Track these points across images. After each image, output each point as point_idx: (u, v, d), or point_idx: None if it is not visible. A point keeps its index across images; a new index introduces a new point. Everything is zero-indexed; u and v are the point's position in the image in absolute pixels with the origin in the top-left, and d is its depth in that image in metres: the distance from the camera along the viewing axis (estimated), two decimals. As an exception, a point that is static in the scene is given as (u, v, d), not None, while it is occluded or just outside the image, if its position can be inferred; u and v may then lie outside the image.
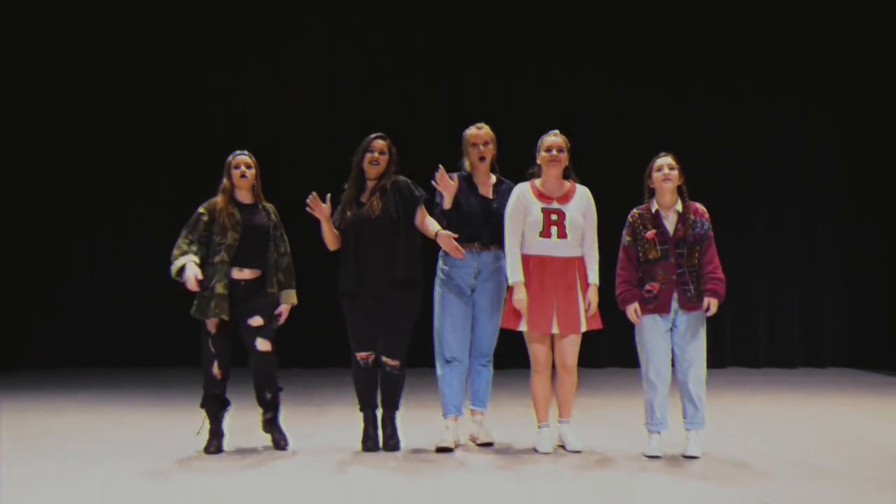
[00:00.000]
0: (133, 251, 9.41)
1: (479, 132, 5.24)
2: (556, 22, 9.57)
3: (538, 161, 5.08)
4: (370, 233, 4.99)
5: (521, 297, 4.93)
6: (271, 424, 5.18)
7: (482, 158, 5.21)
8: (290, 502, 4.08)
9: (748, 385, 8.25)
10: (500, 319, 5.14)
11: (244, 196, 5.18)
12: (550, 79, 9.57)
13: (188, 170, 9.17)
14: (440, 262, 5.24)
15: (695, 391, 4.90)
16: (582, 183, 5.16)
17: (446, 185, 5.02)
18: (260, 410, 5.19)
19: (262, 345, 5.05)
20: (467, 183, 5.22)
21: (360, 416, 5.17)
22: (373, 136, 5.14)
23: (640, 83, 9.56)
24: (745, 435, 5.65)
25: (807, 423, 6.23)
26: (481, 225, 5.13)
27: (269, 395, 5.12)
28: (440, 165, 5.04)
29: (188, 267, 4.95)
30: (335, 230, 5.10)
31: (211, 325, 5.02)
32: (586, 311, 4.99)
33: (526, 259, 5.00)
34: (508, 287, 5.04)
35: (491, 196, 5.22)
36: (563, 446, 5.11)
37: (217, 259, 5.02)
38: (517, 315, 4.97)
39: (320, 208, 5.00)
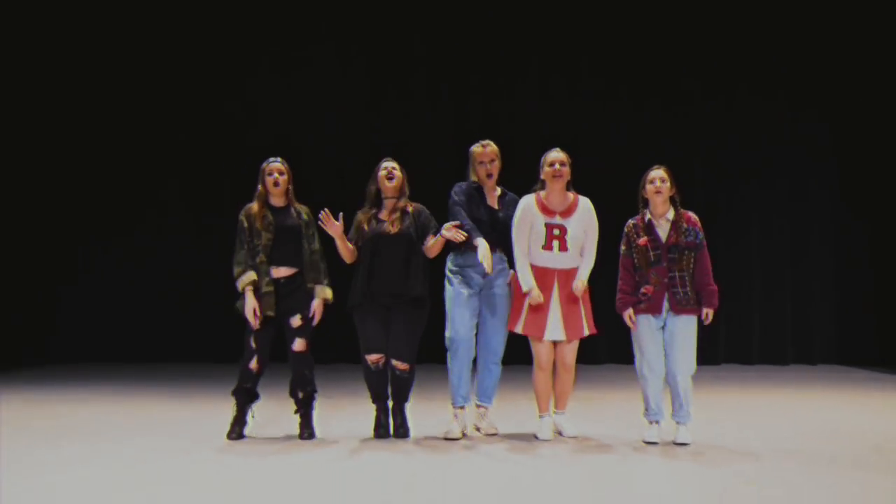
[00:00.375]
0: (144, 251, 9.76)
1: (484, 150, 5.55)
2: (554, 23, 9.86)
3: (542, 176, 5.42)
4: (387, 248, 5.36)
5: (535, 295, 5.29)
6: (303, 418, 5.50)
7: (490, 175, 5.54)
8: (308, 482, 4.40)
9: (741, 381, 8.57)
10: (509, 322, 5.50)
11: (277, 200, 5.52)
12: (549, 79, 9.86)
13: (198, 174, 9.56)
14: (449, 263, 5.58)
15: (682, 387, 5.27)
16: (581, 190, 5.51)
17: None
18: (293, 406, 5.56)
19: (299, 345, 5.41)
20: (478, 193, 5.55)
21: (373, 407, 5.53)
22: (384, 159, 5.55)
23: (638, 86, 9.84)
24: (737, 424, 6.00)
25: (795, 414, 6.56)
26: (489, 232, 5.46)
27: (300, 394, 5.46)
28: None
29: (248, 298, 5.30)
30: (348, 245, 5.43)
31: (256, 321, 5.35)
32: (572, 293, 5.33)
33: (531, 269, 5.37)
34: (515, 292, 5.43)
35: (497, 207, 5.57)
36: (560, 433, 5.49)
37: (257, 260, 5.38)
38: (516, 319, 5.38)
39: (333, 225, 5.33)
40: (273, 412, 5.90)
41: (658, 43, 9.83)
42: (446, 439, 5.39)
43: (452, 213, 5.45)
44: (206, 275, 9.23)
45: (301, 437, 5.44)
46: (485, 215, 5.51)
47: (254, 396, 5.53)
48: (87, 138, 9.89)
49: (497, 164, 5.58)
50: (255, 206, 5.47)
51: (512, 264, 5.49)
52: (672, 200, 5.34)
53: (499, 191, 5.65)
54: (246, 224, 5.45)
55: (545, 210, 5.38)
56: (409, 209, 5.49)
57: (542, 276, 5.35)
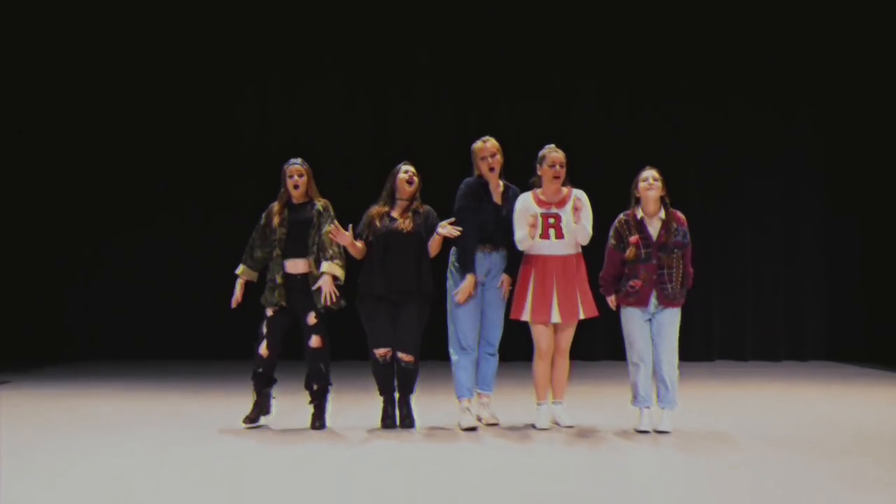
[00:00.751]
0: (150, 252, 10.07)
1: (485, 145, 5.83)
2: (554, 24, 10.08)
3: (539, 172, 5.73)
4: (399, 244, 5.67)
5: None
6: (316, 409, 5.80)
7: (492, 169, 5.82)
8: (318, 469, 4.70)
9: (735, 376, 8.84)
10: (507, 313, 5.82)
11: (297, 199, 5.84)
12: (548, 80, 10.09)
13: (206, 174, 9.92)
14: (452, 258, 5.86)
15: (668, 375, 5.59)
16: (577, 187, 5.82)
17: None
18: (308, 396, 5.87)
19: (315, 342, 5.73)
20: (484, 190, 5.84)
21: (380, 399, 5.84)
22: (403, 162, 5.87)
23: (633, 87, 10.07)
24: (726, 416, 6.30)
25: (783, 407, 6.85)
26: (494, 230, 5.78)
27: (315, 387, 5.77)
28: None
29: (237, 286, 5.88)
30: (357, 244, 5.72)
31: (270, 310, 5.74)
32: (570, 279, 5.66)
33: (529, 258, 5.71)
34: (514, 282, 5.74)
35: (500, 202, 5.85)
36: (557, 423, 5.80)
37: (274, 254, 5.73)
38: (521, 307, 5.68)
39: (343, 236, 5.63)
40: (287, 406, 6.20)
41: (656, 46, 10.04)
42: (464, 430, 5.65)
43: (460, 217, 5.73)
44: (214, 274, 9.44)
45: (312, 427, 5.74)
46: (491, 212, 5.79)
47: (270, 381, 5.84)
48: (104, 144, 10.14)
49: (499, 157, 5.83)
50: (276, 206, 5.83)
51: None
52: (662, 200, 5.64)
53: (502, 185, 5.90)
54: (262, 222, 5.84)
55: (540, 203, 5.69)
56: (420, 210, 5.80)
57: (543, 263, 5.66)
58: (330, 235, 5.63)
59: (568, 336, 5.75)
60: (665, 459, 4.91)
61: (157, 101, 10.10)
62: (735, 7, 10.02)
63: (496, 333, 5.90)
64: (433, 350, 7.97)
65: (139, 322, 9.96)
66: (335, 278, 5.62)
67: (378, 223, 5.74)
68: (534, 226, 5.57)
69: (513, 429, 5.75)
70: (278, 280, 5.70)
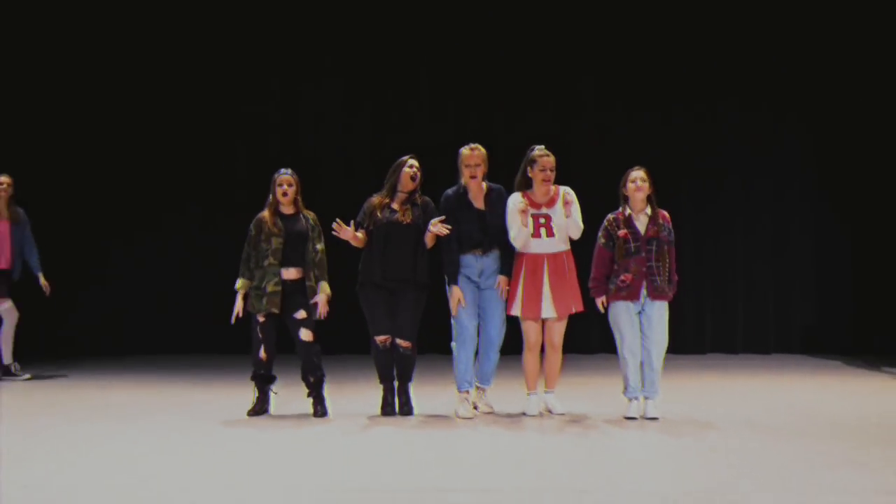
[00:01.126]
0: (155, 252, 10.33)
1: (472, 153, 5.99)
2: (552, 25, 10.27)
3: (530, 174, 5.97)
4: (398, 235, 5.92)
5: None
6: (315, 399, 6.08)
7: (473, 177, 5.98)
8: (321, 453, 4.97)
9: (725, 368, 9.07)
10: (506, 307, 6.05)
11: (287, 208, 6.10)
12: (548, 80, 10.29)
13: (210, 177, 10.17)
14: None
15: (656, 364, 5.87)
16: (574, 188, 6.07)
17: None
18: (305, 389, 6.14)
19: (305, 335, 6.01)
20: (463, 200, 6.01)
21: (380, 387, 6.11)
22: (408, 156, 6.07)
23: (628, 88, 10.26)
24: (714, 405, 6.57)
25: (768, 396, 7.12)
26: (481, 237, 6.00)
27: (311, 379, 6.05)
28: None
29: (237, 301, 6.06)
30: (358, 235, 5.97)
31: (261, 316, 5.98)
32: (561, 275, 5.91)
33: (522, 257, 5.96)
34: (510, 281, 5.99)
35: (484, 207, 6.02)
36: (549, 411, 6.07)
37: (266, 263, 5.97)
38: (512, 302, 5.95)
39: (346, 231, 5.90)
40: (287, 397, 6.47)
41: (654, 48, 10.21)
42: (461, 419, 5.90)
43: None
44: (217, 272, 9.65)
45: (315, 414, 6.01)
46: (474, 220, 5.98)
47: (270, 379, 6.14)
48: (115, 145, 10.38)
49: (482, 168, 5.98)
50: (266, 214, 6.05)
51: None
52: (649, 199, 5.90)
53: (485, 187, 6.06)
54: (253, 232, 6.06)
55: (531, 203, 5.93)
56: (419, 201, 6.04)
57: (534, 260, 5.91)
58: (333, 234, 5.89)
59: (559, 330, 6.00)
60: (649, 441, 5.20)
61: (158, 102, 10.31)
62: (735, 7, 10.18)
63: (497, 333, 6.11)
64: (433, 343, 8.26)
65: (150, 319, 10.23)
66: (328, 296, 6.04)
67: (379, 214, 5.99)
68: (524, 211, 5.81)
69: (506, 416, 6.02)
70: (269, 289, 5.93)
